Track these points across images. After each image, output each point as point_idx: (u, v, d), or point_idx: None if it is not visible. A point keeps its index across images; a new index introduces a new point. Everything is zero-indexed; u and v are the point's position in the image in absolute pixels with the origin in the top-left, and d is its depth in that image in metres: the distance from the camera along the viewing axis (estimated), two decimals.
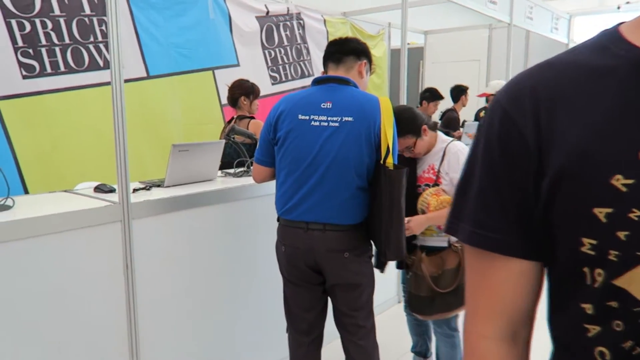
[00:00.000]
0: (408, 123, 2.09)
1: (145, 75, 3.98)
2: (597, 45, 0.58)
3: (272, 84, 4.97)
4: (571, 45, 7.09)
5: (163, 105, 4.03)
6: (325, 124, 1.85)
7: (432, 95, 5.04)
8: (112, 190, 2.10)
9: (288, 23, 5.00)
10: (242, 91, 3.46)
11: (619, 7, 8.39)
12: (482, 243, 0.61)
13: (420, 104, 5.14)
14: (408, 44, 7.23)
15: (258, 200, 2.43)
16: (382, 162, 1.85)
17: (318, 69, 5.23)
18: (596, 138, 0.53)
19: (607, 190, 0.51)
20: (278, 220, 2.03)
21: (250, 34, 4.67)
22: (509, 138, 0.59)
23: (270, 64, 4.92)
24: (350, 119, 1.84)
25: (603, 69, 0.55)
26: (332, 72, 2.00)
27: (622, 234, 0.50)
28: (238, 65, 4.57)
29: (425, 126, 2.14)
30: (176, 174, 2.28)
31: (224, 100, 4.07)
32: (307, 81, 5.13)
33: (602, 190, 0.51)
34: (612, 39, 0.56)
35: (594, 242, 0.52)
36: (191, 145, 2.33)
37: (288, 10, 4.92)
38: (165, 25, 4.04)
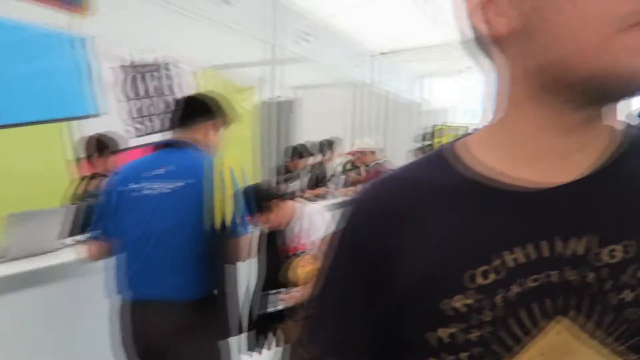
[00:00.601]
0: (256, 201, 2.10)
1: None
2: (438, 160, 0.59)
3: (138, 135, 4.72)
4: (424, 105, 7.84)
5: (8, 159, 3.58)
6: (158, 191, 1.76)
7: (301, 150, 5.17)
8: None
9: (155, 74, 4.84)
10: (96, 147, 3.23)
11: (461, 71, 9.56)
12: (323, 357, 0.59)
13: (291, 159, 5.22)
14: (279, 97, 7.42)
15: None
16: (218, 226, 1.74)
17: None
18: (437, 258, 0.53)
19: (447, 310, 0.51)
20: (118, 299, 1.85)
21: (114, 83, 4.43)
22: (359, 254, 0.58)
23: (135, 114, 4.69)
24: (182, 183, 1.76)
25: (444, 187, 0.56)
26: (175, 135, 1.91)
27: (464, 355, 0.51)
28: (99, 115, 4.27)
29: (275, 200, 2.18)
30: (14, 246, 2.00)
31: (80, 154, 3.76)
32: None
33: (443, 310, 0.51)
34: (450, 155, 0.58)
35: None
36: (30, 214, 2.07)
37: (155, 61, 4.77)
38: (13, 70, 3.65)
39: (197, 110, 1.92)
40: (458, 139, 0.61)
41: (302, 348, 0.62)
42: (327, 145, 5.60)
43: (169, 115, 1.95)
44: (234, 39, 3.31)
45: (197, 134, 1.90)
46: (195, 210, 1.74)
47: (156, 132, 4.87)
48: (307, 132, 6.21)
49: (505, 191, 0.52)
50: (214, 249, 1.76)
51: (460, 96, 10.13)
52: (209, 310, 1.78)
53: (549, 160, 0.51)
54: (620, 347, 0.47)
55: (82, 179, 3.21)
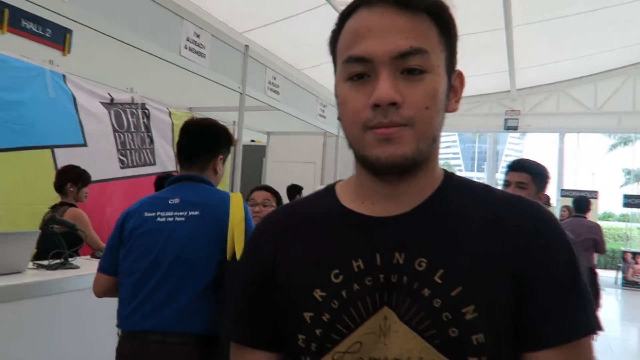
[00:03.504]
0: None
1: None
2: (322, 196, 0.83)
3: (121, 167, 4.87)
4: None
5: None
6: (172, 219, 1.73)
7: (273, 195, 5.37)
8: None
9: (134, 110, 5.05)
10: (70, 177, 3.38)
11: None
12: (235, 338, 0.80)
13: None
14: (253, 141, 7.66)
15: (74, 295, 2.32)
16: (230, 257, 1.69)
17: (161, 159, 5.28)
18: (306, 262, 0.75)
19: (310, 299, 0.72)
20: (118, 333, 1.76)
21: (100, 115, 4.60)
22: (256, 261, 0.80)
23: (120, 147, 4.85)
24: (196, 212, 1.73)
25: (321, 215, 0.79)
26: (184, 172, 1.89)
27: (318, 331, 0.71)
28: (85, 145, 4.40)
29: None
30: None
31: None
32: (149, 169, 5.13)
33: (307, 299, 0.72)
34: (329, 194, 0.82)
35: (303, 337, 0.72)
36: (2, 235, 2.21)
37: (133, 100, 4.99)
38: None
39: (206, 147, 1.88)
40: (339, 181, 0.85)
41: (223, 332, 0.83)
42: (294, 190, 5.82)
43: (180, 149, 1.90)
44: (207, 86, 3.58)
45: (205, 171, 1.88)
46: (209, 240, 1.71)
47: (135, 166, 5.04)
48: (278, 176, 6.45)
49: (356, 218, 0.75)
50: (225, 281, 1.69)
51: None
52: (211, 349, 1.68)
53: (383, 200, 0.74)
54: (420, 328, 0.68)
55: (53, 207, 3.33)
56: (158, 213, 1.75)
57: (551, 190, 7.58)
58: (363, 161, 0.71)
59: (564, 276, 0.69)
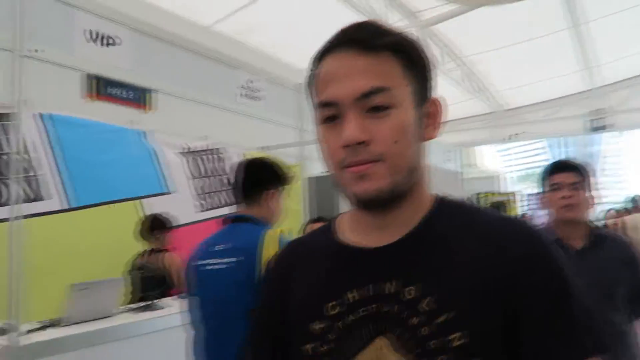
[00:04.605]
0: None
1: (67, 207, 4.07)
2: (323, 230, 0.88)
3: (201, 211, 5.20)
4: (464, 173, 7.84)
5: (87, 236, 4.04)
6: (218, 267, 1.76)
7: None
8: (2, 332, 2.13)
9: (210, 156, 5.39)
10: (156, 225, 3.65)
11: (510, 137, 9.59)
12: None
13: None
14: (323, 172, 7.81)
15: (160, 335, 2.49)
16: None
17: None
18: (305, 296, 0.80)
19: (310, 332, 0.76)
20: None
21: (177, 164, 4.99)
22: (269, 295, 0.88)
23: (199, 191, 5.21)
24: (234, 259, 1.74)
25: (320, 250, 0.84)
26: (239, 209, 1.90)
27: None
28: (169, 193, 4.79)
29: None
30: (75, 311, 2.37)
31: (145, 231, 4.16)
32: (231, 209, 5.39)
33: (308, 331, 0.76)
34: (329, 228, 0.86)
35: None
36: (90, 284, 2.45)
37: (208, 146, 5.33)
38: (92, 160, 4.23)
39: (254, 183, 1.89)
40: (338, 216, 0.89)
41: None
42: None
43: (232, 189, 1.93)
44: (269, 126, 3.76)
45: (256, 207, 1.87)
46: (244, 287, 1.68)
47: (217, 207, 5.37)
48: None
49: (350, 250, 0.79)
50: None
51: (509, 163, 10.02)
52: None
53: (375, 231, 0.77)
54: (411, 357, 0.68)
55: (147, 252, 3.60)
56: (207, 261, 1.79)
57: None
58: (347, 197, 0.75)
59: (555, 302, 0.68)
